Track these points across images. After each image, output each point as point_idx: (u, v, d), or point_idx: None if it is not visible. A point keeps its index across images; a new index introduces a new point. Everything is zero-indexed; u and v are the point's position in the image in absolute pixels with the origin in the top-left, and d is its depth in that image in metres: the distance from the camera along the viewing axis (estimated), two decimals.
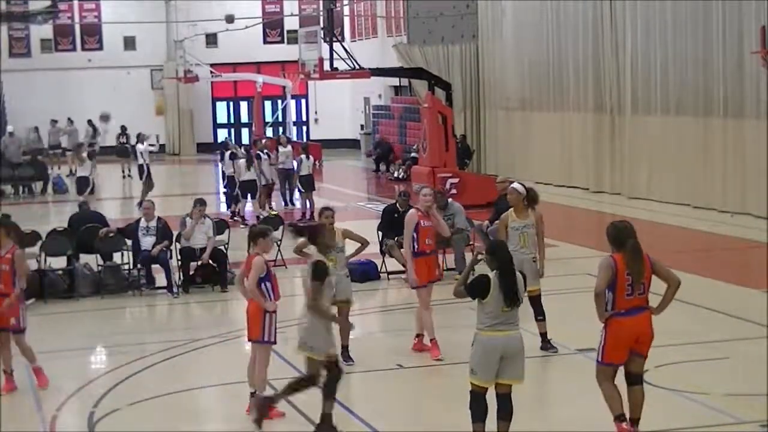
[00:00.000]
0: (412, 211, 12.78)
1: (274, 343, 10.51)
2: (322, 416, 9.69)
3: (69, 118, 39.53)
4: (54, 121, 39.92)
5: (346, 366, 11.90)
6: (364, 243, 12.54)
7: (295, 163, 26.04)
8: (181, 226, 17.20)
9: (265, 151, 26.00)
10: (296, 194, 26.66)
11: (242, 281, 10.53)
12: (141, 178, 28.00)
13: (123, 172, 37.50)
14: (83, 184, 25.56)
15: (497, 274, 8.81)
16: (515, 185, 12.74)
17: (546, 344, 12.39)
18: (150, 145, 28.83)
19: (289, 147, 26.85)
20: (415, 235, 12.52)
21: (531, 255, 12.42)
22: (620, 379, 8.98)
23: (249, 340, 10.57)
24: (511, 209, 12.52)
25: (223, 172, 26.76)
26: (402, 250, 17.40)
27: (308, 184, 25.19)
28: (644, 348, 8.90)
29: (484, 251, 9.12)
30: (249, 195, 24.65)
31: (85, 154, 25.96)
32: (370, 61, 32.66)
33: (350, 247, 12.42)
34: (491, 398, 8.87)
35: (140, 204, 26.42)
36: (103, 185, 33.97)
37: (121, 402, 11.06)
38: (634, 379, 8.93)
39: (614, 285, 8.77)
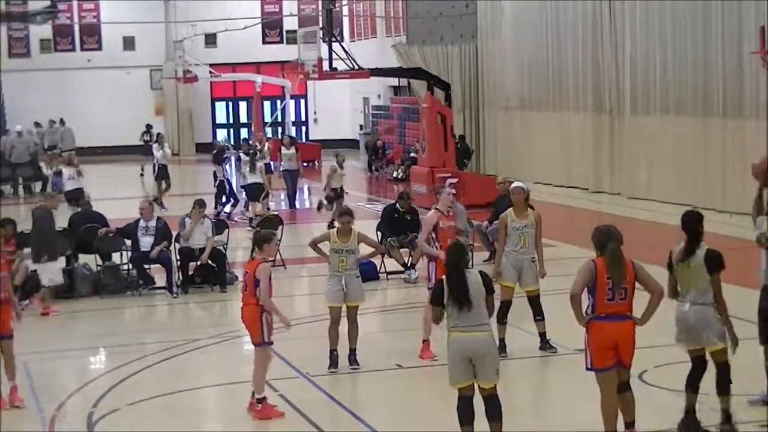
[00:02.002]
0: (431, 212, 12.67)
1: (271, 343, 10.50)
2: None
3: (61, 119, 39.48)
4: (52, 122, 39.91)
5: (350, 370, 11.91)
6: (379, 249, 12.52)
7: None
8: (180, 227, 17.19)
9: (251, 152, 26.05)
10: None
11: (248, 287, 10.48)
12: (155, 178, 28.03)
13: (143, 170, 37.77)
14: (79, 194, 25.18)
15: (446, 274, 8.84)
16: (521, 184, 12.70)
17: (545, 344, 12.39)
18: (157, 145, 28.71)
19: (293, 149, 26.82)
20: (434, 236, 12.43)
21: (530, 256, 12.41)
22: None
23: (254, 344, 10.58)
24: (511, 209, 12.49)
25: (214, 172, 26.92)
26: (411, 250, 17.53)
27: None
28: (626, 357, 8.87)
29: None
30: (250, 198, 24.61)
31: (76, 162, 25.89)
32: (369, 61, 32.65)
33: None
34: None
35: (160, 204, 26.33)
36: (125, 184, 34.30)
37: (121, 402, 11.06)
38: (623, 387, 8.94)
39: (594, 289, 8.76)
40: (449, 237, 12.28)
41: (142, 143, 39.36)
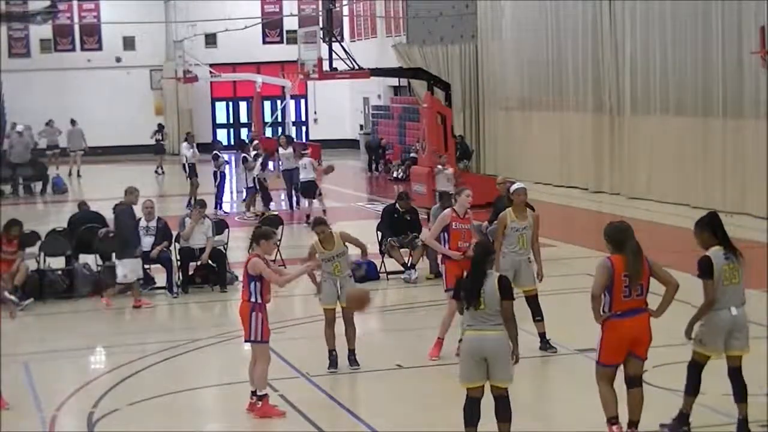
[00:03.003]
0: (447, 211, 12.42)
1: (266, 342, 10.49)
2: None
3: (72, 119, 39.40)
4: (49, 122, 39.83)
5: (350, 370, 11.92)
6: (363, 248, 12.42)
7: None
8: (180, 227, 17.19)
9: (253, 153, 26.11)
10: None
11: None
12: (187, 178, 27.87)
13: (157, 170, 37.91)
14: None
15: (467, 273, 8.88)
16: (522, 185, 12.61)
17: (545, 344, 12.37)
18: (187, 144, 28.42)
19: (290, 149, 26.83)
20: (446, 236, 12.29)
21: (527, 256, 12.36)
22: (620, 381, 8.98)
23: (245, 340, 10.65)
24: (510, 209, 12.41)
25: (214, 172, 27.08)
26: (411, 250, 17.53)
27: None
28: (642, 350, 8.88)
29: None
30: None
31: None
32: (369, 61, 32.65)
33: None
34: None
35: (189, 203, 26.26)
36: (125, 184, 34.27)
37: (121, 402, 11.06)
38: (633, 382, 8.93)
39: (611, 286, 8.76)
40: (461, 240, 12.21)
41: (153, 142, 39.42)
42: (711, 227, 9.34)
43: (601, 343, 8.87)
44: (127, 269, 15.85)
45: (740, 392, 9.25)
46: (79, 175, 37.14)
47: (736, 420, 9.41)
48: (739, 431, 9.21)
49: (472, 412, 8.84)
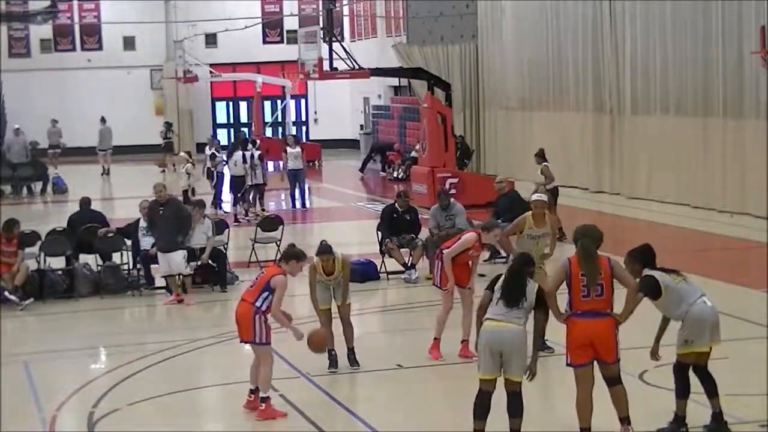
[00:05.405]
0: (473, 236, 12.19)
1: (270, 343, 10.49)
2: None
3: (102, 117, 39.41)
4: (54, 121, 39.90)
5: (350, 370, 11.91)
6: (345, 290, 12.15)
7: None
8: None
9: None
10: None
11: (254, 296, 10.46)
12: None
13: (165, 168, 38.17)
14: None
15: (506, 274, 8.96)
16: (541, 197, 12.42)
17: (542, 345, 12.34)
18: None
19: (298, 148, 26.80)
20: (456, 258, 12.13)
21: (542, 252, 12.33)
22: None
23: (241, 341, 10.61)
24: (529, 215, 12.25)
25: (211, 172, 27.03)
26: (411, 250, 17.50)
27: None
28: (608, 355, 8.89)
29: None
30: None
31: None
32: (369, 61, 32.65)
33: None
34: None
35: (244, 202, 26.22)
36: (125, 183, 34.42)
37: (121, 402, 11.06)
38: (611, 382, 8.99)
39: (570, 286, 8.86)
40: (467, 260, 12.21)
41: (162, 141, 39.43)
42: (643, 261, 9.28)
43: (566, 343, 8.98)
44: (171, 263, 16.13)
45: (711, 388, 9.31)
46: (107, 173, 37.39)
47: (734, 418, 9.43)
48: (715, 423, 9.25)
49: (482, 405, 8.91)
